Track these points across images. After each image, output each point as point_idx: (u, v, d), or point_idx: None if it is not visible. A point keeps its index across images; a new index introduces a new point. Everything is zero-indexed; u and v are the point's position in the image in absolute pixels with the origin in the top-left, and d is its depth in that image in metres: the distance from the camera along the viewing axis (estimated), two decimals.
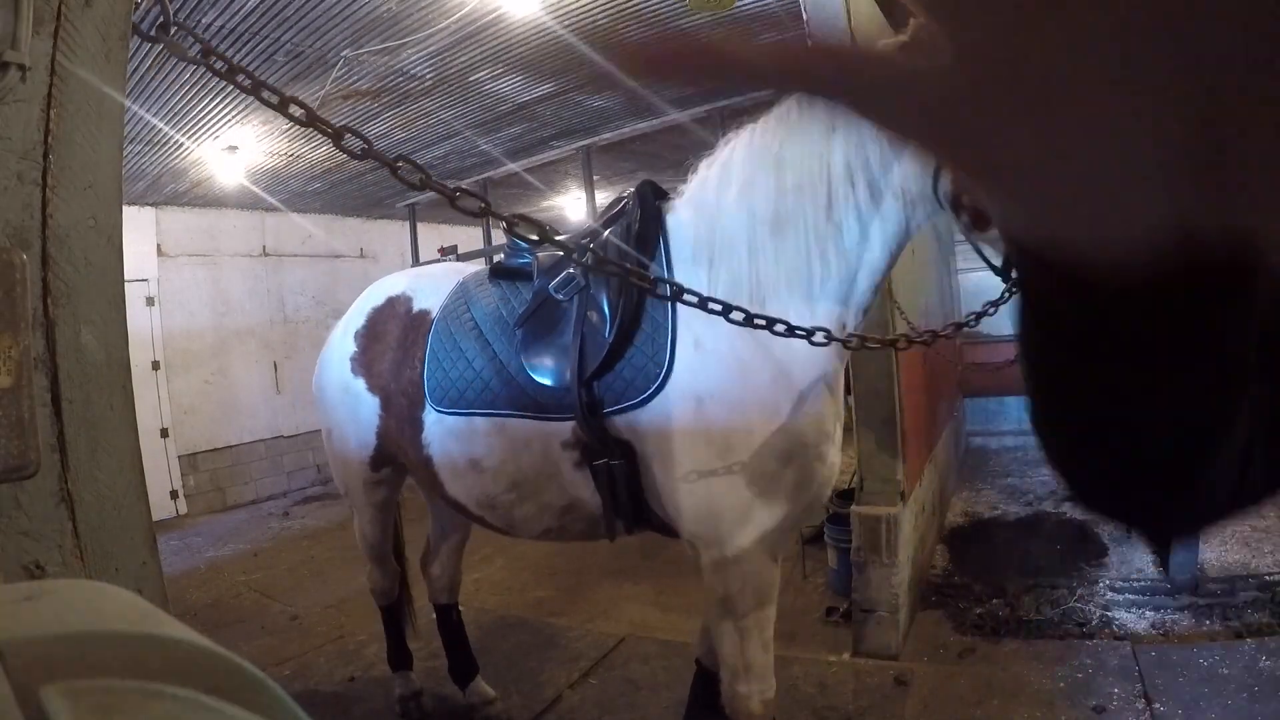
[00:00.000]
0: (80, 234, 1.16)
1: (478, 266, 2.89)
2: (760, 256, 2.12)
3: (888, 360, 3.67)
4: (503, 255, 2.67)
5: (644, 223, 2.29)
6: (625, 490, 2.25)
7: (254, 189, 7.54)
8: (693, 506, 2.19)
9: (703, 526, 2.21)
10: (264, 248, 9.18)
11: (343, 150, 1.54)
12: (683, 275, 2.17)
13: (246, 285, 9.02)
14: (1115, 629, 3.81)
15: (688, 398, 2.13)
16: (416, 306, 2.76)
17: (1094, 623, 3.88)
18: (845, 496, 4.01)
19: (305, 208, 8.98)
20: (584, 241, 2.31)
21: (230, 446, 8.67)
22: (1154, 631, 3.76)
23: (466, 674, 3.49)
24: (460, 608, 3.72)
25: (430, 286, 2.80)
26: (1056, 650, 3.61)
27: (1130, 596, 4.07)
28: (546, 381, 2.28)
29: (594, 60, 5.61)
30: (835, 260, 2.09)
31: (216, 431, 8.43)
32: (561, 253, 2.35)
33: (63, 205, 1.13)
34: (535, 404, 2.31)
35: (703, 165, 2.32)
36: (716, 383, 2.12)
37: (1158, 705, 3.08)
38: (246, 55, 4.81)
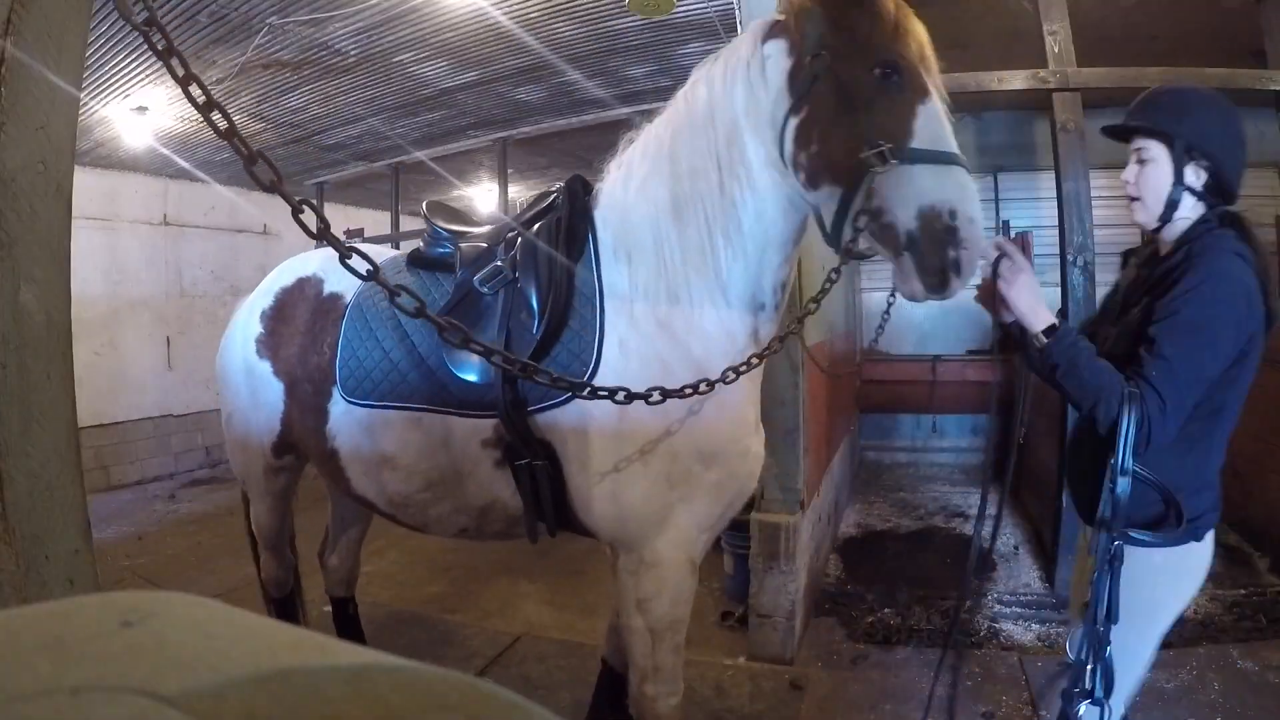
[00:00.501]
0: (28, 179, 1.05)
1: (392, 251, 2.78)
2: (666, 245, 2.14)
3: (794, 372, 3.75)
4: (421, 243, 2.60)
5: (573, 219, 2.27)
6: (548, 491, 2.22)
7: (163, 151, 7.23)
8: (612, 509, 2.18)
9: (622, 529, 2.21)
10: (165, 216, 8.75)
11: (251, 175, 1.39)
12: (609, 273, 2.21)
13: (144, 254, 8.58)
14: (1003, 640, 3.98)
15: None
16: (328, 290, 2.66)
17: (982, 633, 4.04)
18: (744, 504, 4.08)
19: (211, 178, 8.63)
20: (507, 237, 2.36)
21: (116, 423, 8.23)
22: (1040, 643, 3.94)
23: None
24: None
25: (343, 269, 2.66)
26: (947, 659, 3.74)
27: (1017, 610, 4.26)
28: (470, 377, 2.21)
29: (521, 52, 5.57)
30: (736, 238, 2.09)
31: (102, 406, 7.98)
32: (484, 244, 2.41)
33: (10, 144, 1.02)
34: (456, 400, 2.25)
35: (612, 165, 2.34)
36: (639, 383, 2.05)
37: (1044, 713, 3.23)
38: (167, 13, 4.60)
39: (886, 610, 4.27)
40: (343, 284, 2.61)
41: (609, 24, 5.26)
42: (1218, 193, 1.91)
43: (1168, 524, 1.86)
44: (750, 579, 3.84)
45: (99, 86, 5.70)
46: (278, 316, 2.74)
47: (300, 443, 2.71)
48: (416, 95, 6.63)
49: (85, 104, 6.04)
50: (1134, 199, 1.98)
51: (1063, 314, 4.14)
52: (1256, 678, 3.40)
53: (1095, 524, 1.87)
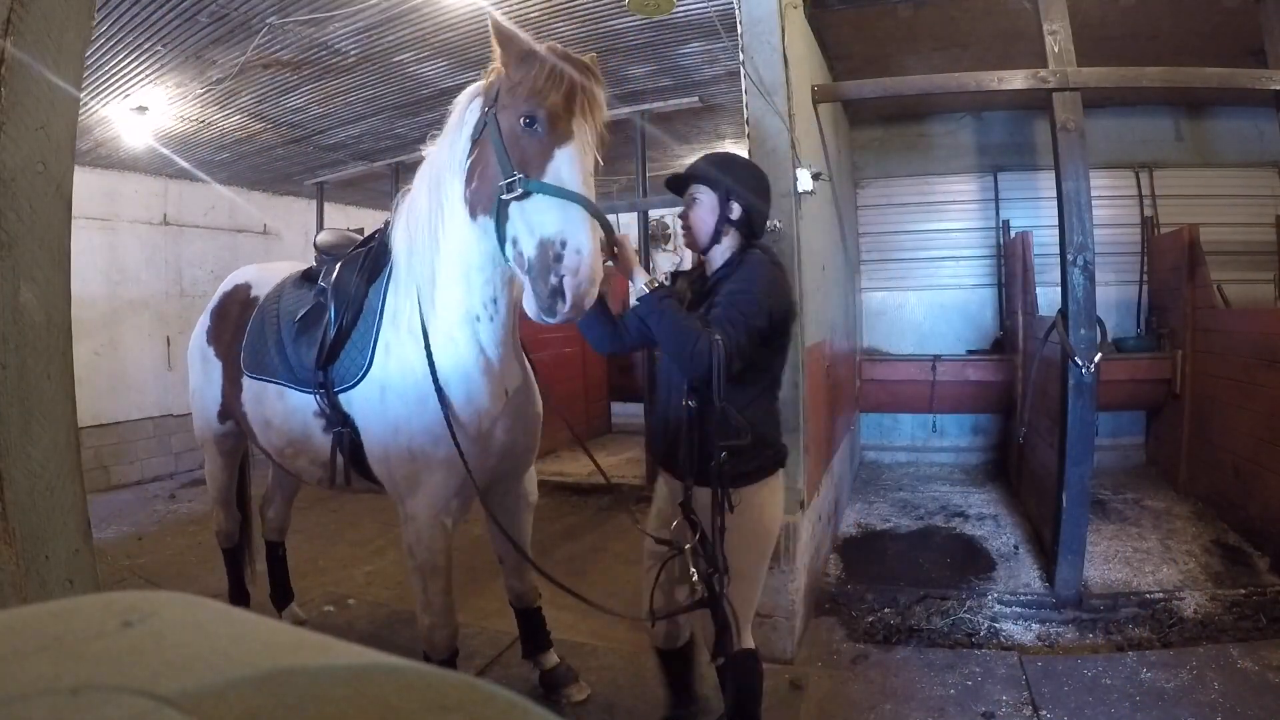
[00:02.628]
0: (27, 179, 1.05)
1: (302, 265, 3.55)
2: (408, 275, 2.80)
3: (795, 372, 3.75)
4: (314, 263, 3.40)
5: (379, 251, 3.00)
6: (347, 452, 2.94)
7: (163, 151, 7.21)
8: (382, 470, 2.86)
9: (390, 486, 2.88)
10: (165, 216, 8.74)
11: None
12: (390, 294, 2.87)
13: (144, 254, 8.57)
14: (1003, 639, 3.97)
15: (375, 386, 2.81)
16: (253, 294, 3.53)
17: (982, 633, 4.04)
18: None
19: (210, 178, 8.61)
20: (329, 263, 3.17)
21: (116, 423, 8.23)
22: (1040, 643, 3.94)
23: (284, 601, 4.20)
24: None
25: (267, 280, 3.55)
26: (947, 658, 3.74)
27: (1017, 609, 4.25)
28: (302, 362, 2.99)
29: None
30: (444, 267, 2.66)
31: (103, 406, 7.98)
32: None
33: (10, 145, 1.02)
34: (296, 379, 3.02)
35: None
36: (394, 377, 2.78)
37: (1044, 713, 3.23)
38: (167, 12, 4.59)
39: (886, 610, 4.26)
40: (263, 291, 3.46)
41: (609, 24, 5.25)
42: (749, 227, 2.57)
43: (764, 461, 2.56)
44: None
45: (99, 86, 5.69)
46: (219, 313, 3.62)
47: (229, 409, 3.51)
48: (416, 95, 6.60)
49: (85, 104, 6.03)
50: (686, 229, 2.61)
51: (1062, 313, 4.15)
52: (1256, 678, 3.40)
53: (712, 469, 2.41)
